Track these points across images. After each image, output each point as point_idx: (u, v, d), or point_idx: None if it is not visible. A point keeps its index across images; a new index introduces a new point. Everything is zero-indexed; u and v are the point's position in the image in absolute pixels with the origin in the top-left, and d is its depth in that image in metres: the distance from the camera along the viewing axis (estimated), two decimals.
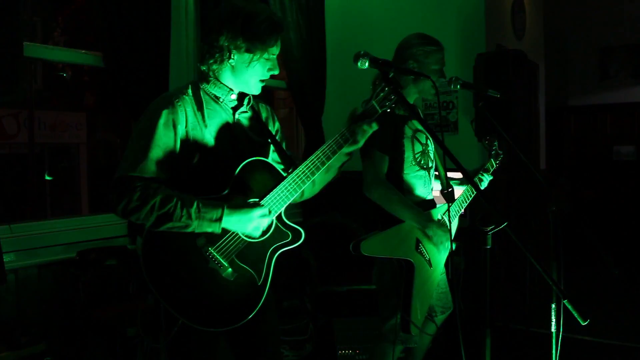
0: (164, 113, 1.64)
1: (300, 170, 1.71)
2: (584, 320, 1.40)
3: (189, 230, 1.59)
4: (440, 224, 2.35)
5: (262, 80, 1.77)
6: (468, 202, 2.54)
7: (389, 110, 1.77)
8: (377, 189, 2.31)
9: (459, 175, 2.84)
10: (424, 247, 2.35)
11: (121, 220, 3.41)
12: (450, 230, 2.03)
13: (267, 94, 6.19)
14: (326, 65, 4.59)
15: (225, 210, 1.61)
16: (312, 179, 1.72)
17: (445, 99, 4.30)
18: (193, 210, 1.57)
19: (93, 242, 3.16)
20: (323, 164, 1.72)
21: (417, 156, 2.45)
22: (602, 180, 6.97)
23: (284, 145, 1.94)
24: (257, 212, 1.64)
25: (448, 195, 2.34)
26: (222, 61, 1.70)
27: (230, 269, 1.65)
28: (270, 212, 1.68)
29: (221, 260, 1.65)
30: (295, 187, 1.71)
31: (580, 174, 7.13)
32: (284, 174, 1.74)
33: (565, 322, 2.44)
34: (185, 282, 1.62)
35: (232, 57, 1.69)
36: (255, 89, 1.78)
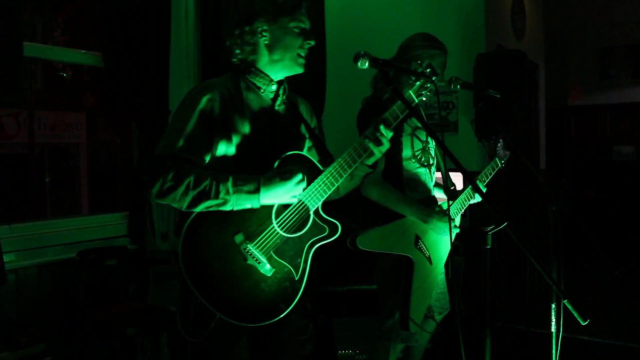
0: (203, 100, 1.64)
1: (338, 164, 1.70)
2: (584, 320, 1.40)
3: (227, 207, 1.57)
4: (441, 215, 2.34)
5: (300, 56, 1.74)
6: (470, 201, 2.53)
7: (424, 99, 1.78)
8: (374, 189, 2.31)
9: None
10: (424, 244, 2.35)
11: (121, 220, 3.42)
12: (450, 225, 2.01)
13: None
14: (326, 65, 4.59)
15: (262, 181, 1.60)
16: (349, 171, 1.71)
17: (445, 99, 4.30)
18: (230, 184, 1.56)
19: (93, 242, 3.16)
20: (355, 161, 1.71)
21: (417, 153, 2.44)
22: (602, 180, 6.97)
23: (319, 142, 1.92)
24: (294, 179, 1.63)
25: (451, 193, 2.37)
26: (256, 44, 1.70)
27: (268, 265, 1.65)
28: (304, 178, 1.66)
29: (259, 256, 1.63)
30: (333, 181, 1.70)
31: (580, 174, 7.13)
32: (322, 168, 1.73)
33: (565, 322, 2.44)
34: (223, 278, 1.61)
35: (263, 34, 1.69)
36: (296, 64, 1.75)
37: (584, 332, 3.69)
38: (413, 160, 2.43)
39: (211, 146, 1.66)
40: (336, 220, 1.76)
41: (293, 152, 1.70)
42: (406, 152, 2.41)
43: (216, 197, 1.55)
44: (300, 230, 1.70)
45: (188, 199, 1.55)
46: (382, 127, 1.68)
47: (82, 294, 2.93)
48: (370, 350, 2.79)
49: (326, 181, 1.70)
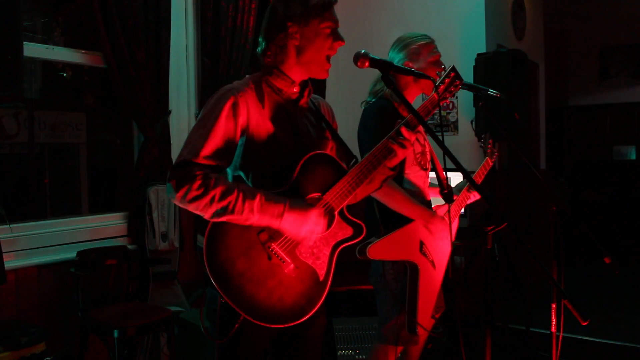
0: (227, 104, 1.63)
1: (363, 165, 1.70)
2: (584, 320, 1.40)
3: (248, 223, 1.57)
4: (442, 219, 2.37)
5: (327, 60, 1.74)
6: (465, 204, 2.55)
7: (454, 98, 1.79)
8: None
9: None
10: (427, 249, 2.36)
11: (121, 220, 3.42)
12: (450, 229, 2.03)
13: None
14: None
15: (287, 207, 1.59)
16: (373, 172, 1.72)
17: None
18: (256, 203, 1.56)
19: (93, 242, 3.16)
20: (379, 162, 1.72)
21: (417, 156, 2.45)
22: (602, 180, 6.97)
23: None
24: (314, 216, 1.63)
25: (447, 196, 2.34)
26: (285, 46, 1.70)
27: (292, 265, 1.64)
28: (325, 215, 1.66)
29: (284, 255, 1.63)
30: (358, 182, 1.70)
31: (580, 174, 7.13)
32: (347, 169, 1.73)
33: (565, 322, 2.44)
34: (247, 277, 1.59)
35: (294, 36, 1.69)
36: (322, 69, 1.76)
37: (584, 332, 3.69)
38: (414, 164, 2.44)
39: (235, 150, 1.66)
40: (359, 221, 1.75)
41: (317, 152, 1.69)
42: (408, 156, 2.41)
43: (239, 214, 1.54)
44: (325, 231, 1.69)
45: (211, 210, 1.54)
46: (405, 130, 1.70)
47: (82, 294, 2.93)
48: (369, 351, 2.81)
49: (351, 182, 1.69)
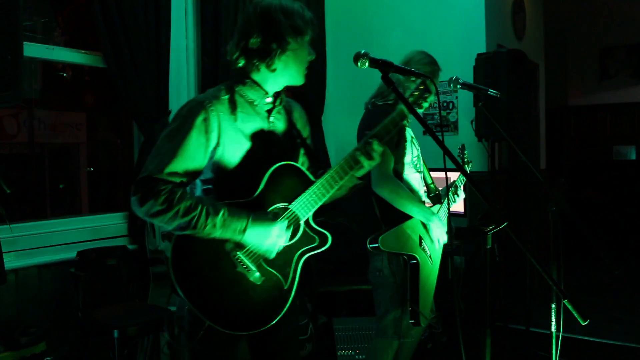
0: (197, 118, 1.62)
1: (329, 175, 1.71)
2: (584, 320, 1.40)
3: (211, 237, 1.59)
4: (439, 219, 2.50)
5: (305, 68, 1.77)
6: (452, 204, 2.69)
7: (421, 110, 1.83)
8: (387, 184, 2.38)
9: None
10: (426, 244, 2.48)
11: (121, 220, 3.42)
12: (450, 229, 2.11)
13: None
14: (326, 65, 4.59)
15: (250, 223, 1.61)
16: (340, 183, 1.72)
17: (445, 99, 4.30)
18: (218, 219, 1.57)
19: (93, 242, 3.16)
20: (346, 172, 1.72)
21: (414, 159, 2.55)
22: (602, 180, 6.97)
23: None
24: (276, 229, 1.64)
25: (434, 199, 2.55)
26: (263, 56, 1.68)
27: (257, 273, 1.65)
28: (288, 227, 1.67)
29: (249, 264, 1.64)
30: (324, 192, 1.71)
31: (580, 174, 7.13)
32: (313, 179, 1.74)
33: (565, 322, 2.45)
34: (213, 285, 1.62)
35: (273, 46, 1.67)
36: (301, 77, 1.78)
37: (584, 332, 3.69)
38: (411, 166, 2.53)
39: (205, 163, 1.66)
40: (326, 231, 1.77)
41: (284, 163, 1.70)
42: (407, 158, 2.50)
43: (202, 229, 1.56)
44: (290, 240, 1.71)
45: (175, 224, 1.56)
46: (375, 142, 1.71)
47: (82, 294, 2.93)
48: (368, 348, 2.85)
49: (317, 192, 1.71)
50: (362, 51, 1.66)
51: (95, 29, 3.11)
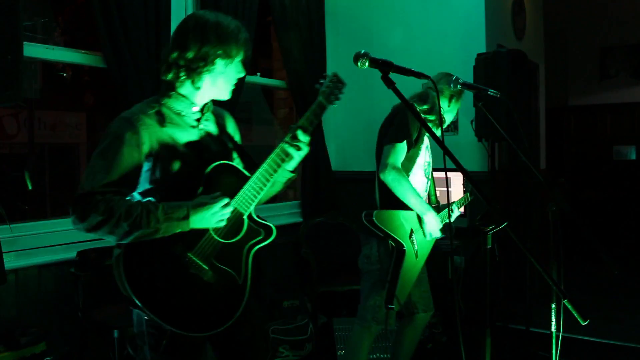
0: (126, 135, 1.63)
1: (263, 169, 1.75)
2: (584, 320, 1.40)
3: (159, 235, 1.60)
4: (435, 218, 2.58)
5: (233, 85, 1.80)
6: (453, 213, 2.80)
7: (335, 105, 1.87)
8: (393, 172, 2.47)
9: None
10: (415, 238, 2.57)
11: None
12: (450, 229, 2.14)
13: (267, 93, 6.18)
14: (326, 65, 4.59)
15: (190, 208, 1.63)
16: (275, 176, 1.77)
17: None
18: (159, 213, 1.59)
19: (93, 242, 3.16)
20: (278, 165, 1.77)
21: (425, 164, 2.67)
22: (602, 180, 6.97)
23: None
24: (219, 204, 1.66)
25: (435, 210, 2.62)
26: (197, 76, 1.70)
27: (210, 272, 1.68)
28: (229, 202, 1.69)
29: (201, 264, 1.67)
30: (261, 185, 1.75)
31: (580, 174, 7.13)
32: (249, 175, 1.77)
33: (565, 322, 2.45)
34: (169, 290, 1.64)
35: (209, 66, 1.69)
36: (229, 94, 1.81)
37: (584, 332, 3.69)
38: (421, 169, 2.64)
39: (139, 177, 1.67)
40: (269, 222, 1.81)
41: (220, 163, 1.73)
42: (419, 160, 2.62)
43: (147, 226, 1.57)
44: (236, 236, 1.75)
45: (121, 230, 1.57)
46: (299, 133, 1.76)
47: (82, 294, 2.93)
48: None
49: (255, 186, 1.75)
50: (362, 51, 1.67)
51: (95, 29, 3.11)
